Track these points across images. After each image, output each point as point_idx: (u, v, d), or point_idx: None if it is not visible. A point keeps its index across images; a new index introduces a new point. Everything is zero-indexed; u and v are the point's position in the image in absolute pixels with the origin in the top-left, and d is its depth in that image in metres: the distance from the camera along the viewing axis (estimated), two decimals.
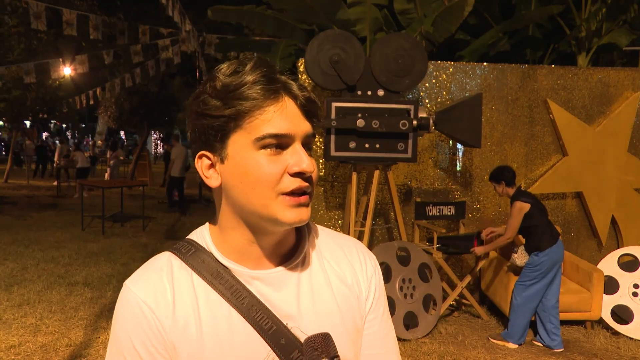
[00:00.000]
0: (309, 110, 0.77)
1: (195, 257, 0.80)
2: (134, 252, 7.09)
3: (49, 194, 13.86)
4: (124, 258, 6.72)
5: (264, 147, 0.74)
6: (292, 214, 0.75)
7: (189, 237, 0.85)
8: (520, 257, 4.18)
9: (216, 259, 0.80)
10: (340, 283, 0.86)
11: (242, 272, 0.80)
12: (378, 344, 0.90)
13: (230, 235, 0.80)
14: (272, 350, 0.77)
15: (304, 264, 0.84)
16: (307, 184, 0.75)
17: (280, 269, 0.81)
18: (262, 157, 0.74)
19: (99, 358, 3.74)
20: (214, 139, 0.76)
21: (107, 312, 4.67)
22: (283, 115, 0.74)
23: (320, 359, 0.74)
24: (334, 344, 0.76)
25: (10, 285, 5.42)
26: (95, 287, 5.46)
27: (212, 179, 0.78)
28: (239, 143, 0.74)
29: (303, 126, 0.76)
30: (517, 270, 4.42)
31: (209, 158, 0.78)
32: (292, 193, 0.74)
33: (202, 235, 0.84)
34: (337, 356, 0.75)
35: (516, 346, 4.14)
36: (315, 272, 0.85)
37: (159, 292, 0.78)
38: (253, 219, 0.77)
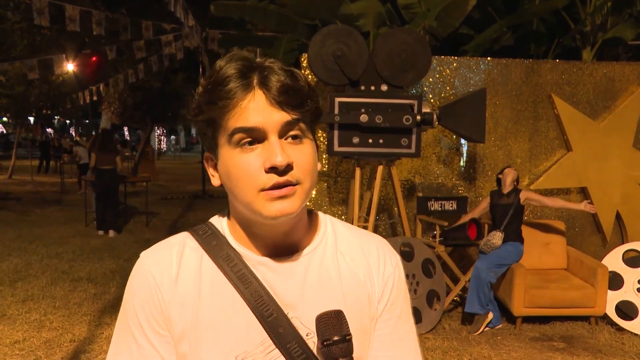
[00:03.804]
0: (282, 100, 0.73)
1: (210, 240, 0.83)
2: (137, 247, 7.10)
3: (53, 189, 13.90)
4: (127, 254, 6.73)
5: (238, 144, 0.74)
6: (273, 208, 0.74)
7: (210, 220, 0.88)
8: (500, 239, 4.37)
9: (229, 243, 0.82)
10: (352, 279, 0.84)
11: (249, 256, 0.81)
12: (390, 346, 0.87)
13: (237, 225, 0.83)
14: (268, 337, 0.77)
15: (315, 256, 0.84)
16: (283, 178, 0.73)
17: (289, 258, 0.82)
18: (238, 155, 0.74)
19: (103, 354, 3.74)
20: (207, 141, 0.80)
21: (110, 308, 4.68)
22: (252, 109, 0.73)
23: (332, 336, 0.74)
24: (346, 322, 0.76)
25: (15, 281, 5.44)
26: (99, 283, 5.47)
27: (215, 177, 0.81)
28: (222, 143, 0.76)
29: (276, 117, 0.73)
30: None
31: (211, 159, 0.81)
32: (273, 187, 0.73)
33: (219, 219, 0.87)
34: (349, 334, 0.75)
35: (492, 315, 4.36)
36: (326, 266, 0.84)
37: (166, 267, 0.81)
38: (248, 213, 0.78)
